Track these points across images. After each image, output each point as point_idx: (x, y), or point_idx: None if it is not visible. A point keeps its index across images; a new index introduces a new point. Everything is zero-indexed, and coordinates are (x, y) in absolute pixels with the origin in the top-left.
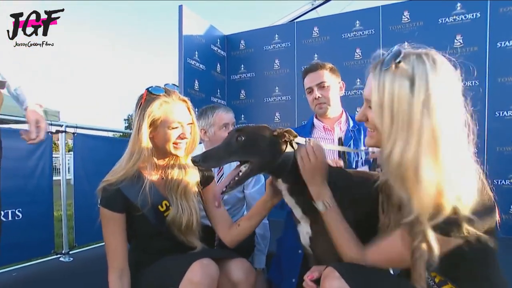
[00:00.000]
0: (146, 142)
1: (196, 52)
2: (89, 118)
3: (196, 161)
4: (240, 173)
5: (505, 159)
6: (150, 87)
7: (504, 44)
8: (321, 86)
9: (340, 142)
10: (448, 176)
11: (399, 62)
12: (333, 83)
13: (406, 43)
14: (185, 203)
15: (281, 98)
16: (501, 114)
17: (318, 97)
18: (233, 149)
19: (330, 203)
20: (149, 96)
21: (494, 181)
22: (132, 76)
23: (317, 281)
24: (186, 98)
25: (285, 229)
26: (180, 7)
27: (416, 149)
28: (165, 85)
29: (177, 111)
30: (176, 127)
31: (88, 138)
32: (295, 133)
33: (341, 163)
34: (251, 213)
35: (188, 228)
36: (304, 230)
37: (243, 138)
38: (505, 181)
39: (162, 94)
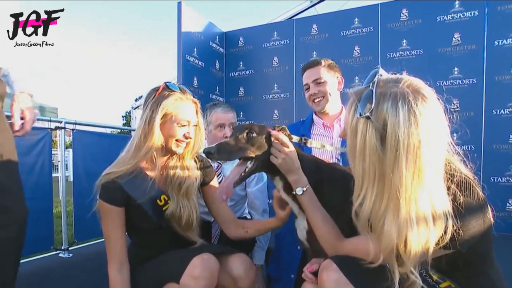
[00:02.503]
0: (158, 133)
1: (195, 49)
2: (87, 114)
3: (211, 152)
4: (246, 169)
5: (502, 157)
6: (168, 82)
7: (502, 42)
8: (317, 82)
9: None
10: (413, 229)
11: (372, 111)
12: (330, 79)
13: (382, 70)
14: (186, 202)
15: (280, 95)
16: (498, 112)
17: (314, 93)
18: (244, 145)
19: (306, 187)
20: (165, 90)
21: (491, 178)
22: (130, 73)
23: (316, 273)
24: (197, 101)
25: (285, 225)
26: (179, 4)
27: (386, 203)
28: (178, 84)
29: (188, 110)
30: (184, 125)
31: (86, 135)
32: (289, 131)
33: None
34: (261, 227)
35: (188, 225)
36: (301, 225)
37: (253, 135)
38: (501, 179)
39: (178, 91)
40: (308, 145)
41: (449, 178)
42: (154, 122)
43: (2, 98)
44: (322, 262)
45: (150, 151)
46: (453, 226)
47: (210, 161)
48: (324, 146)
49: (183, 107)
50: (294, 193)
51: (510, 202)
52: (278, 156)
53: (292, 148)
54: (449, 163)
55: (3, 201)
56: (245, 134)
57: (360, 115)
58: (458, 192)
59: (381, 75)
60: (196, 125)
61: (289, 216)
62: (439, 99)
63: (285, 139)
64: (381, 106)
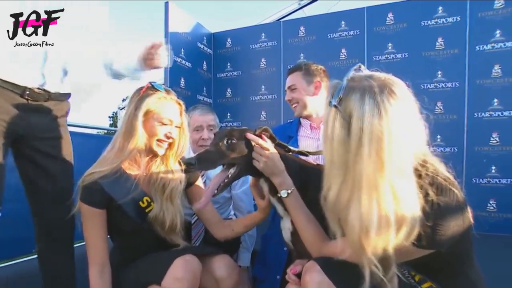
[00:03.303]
0: (141, 131)
1: (182, 50)
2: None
3: (191, 163)
4: (229, 176)
5: (483, 158)
6: (152, 82)
7: (482, 47)
8: (291, 89)
9: None
10: (374, 221)
11: (341, 101)
12: (304, 85)
13: (363, 67)
14: (169, 206)
15: (267, 96)
16: (479, 115)
17: (289, 99)
18: (225, 152)
19: (291, 189)
20: (150, 89)
21: (472, 179)
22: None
23: (299, 275)
24: (181, 102)
25: (271, 226)
26: (166, 4)
27: (350, 192)
28: (163, 85)
29: (171, 110)
30: (165, 124)
31: (72, 136)
32: (271, 131)
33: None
34: (247, 223)
35: (171, 229)
36: (286, 226)
37: (233, 142)
38: (482, 180)
39: (162, 91)
40: (290, 153)
41: (429, 180)
42: (137, 120)
43: (67, 114)
44: (305, 264)
45: (134, 150)
46: (429, 226)
47: None
48: (308, 155)
49: (166, 106)
50: (279, 195)
51: (491, 202)
52: (259, 160)
53: (273, 150)
54: (429, 163)
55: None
56: (225, 141)
57: (330, 102)
58: (437, 193)
59: (362, 71)
60: (179, 127)
61: (271, 206)
62: (417, 102)
63: (264, 143)
64: (349, 98)
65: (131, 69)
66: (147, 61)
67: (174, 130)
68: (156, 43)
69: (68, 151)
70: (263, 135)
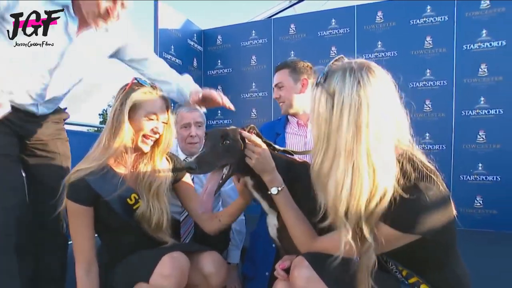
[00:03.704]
0: (127, 126)
1: (172, 47)
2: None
3: (192, 168)
4: (224, 176)
5: (470, 156)
6: (137, 77)
7: (469, 46)
8: (278, 86)
9: None
10: (348, 179)
11: (325, 80)
12: (291, 83)
13: (345, 58)
14: (156, 204)
15: (258, 94)
16: (466, 113)
17: (276, 97)
18: (221, 153)
19: (281, 187)
20: (135, 84)
21: (460, 177)
22: (107, 70)
23: (288, 270)
24: (167, 98)
25: (259, 223)
26: (156, 1)
27: (331, 161)
28: (150, 82)
29: (157, 104)
30: (151, 119)
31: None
32: (257, 130)
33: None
34: (232, 210)
35: (158, 227)
36: (272, 222)
37: (228, 142)
38: (470, 177)
39: (148, 86)
40: (276, 152)
41: (412, 165)
42: (123, 115)
43: (62, 120)
44: (294, 259)
45: (120, 146)
46: (409, 208)
47: (182, 161)
48: (293, 154)
49: (152, 100)
50: (269, 192)
51: (477, 199)
52: (252, 157)
53: (264, 147)
54: (413, 154)
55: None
56: (220, 142)
57: (316, 83)
58: (419, 178)
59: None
60: (166, 123)
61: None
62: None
63: (257, 139)
64: (332, 76)
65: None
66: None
67: (161, 125)
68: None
69: (64, 152)
70: (251, 133)
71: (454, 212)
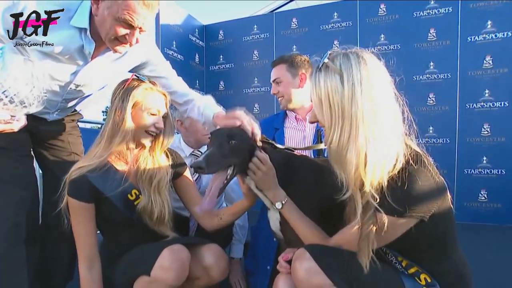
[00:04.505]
0: (130, 122)
1: (174, 42)
2: None
3: (201, 167)
4: (228, 176)
5: (474, 149)
6: (136, 74)
7: (474, 38)
8: (276, 82)
9: (318, 135)
10: (371, 155)
11: (329, 62)
12: (289, 78)
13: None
14: (158, 198)
15: (260, 89)
16: (470, 106)
17: (274, 93)
18: (227, 153)
19: (285, 200)
20: (135, 81)
21: (464, 170)
22: None
23: (291, 262)
24: (166, 93)
25: (261, 217)
26: None
27: (349, 133)
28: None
29: (157, 100)
30: (154, 114)
31: None
32: (267, 138)
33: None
34: (235, 210)
35: (160, 220)
36: (274, 216)
37: (233, 142)
38: (474, 171)
39: (146, 82)
40: (277, 149)
41: (410, 153)
42: (126, 111)
43: (75, 120)
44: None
45: (122, 142)
46: (404, 193)
47: (182, 157)
48: (293, 150)
49: (153, 96)
50: (274, 207)
51: (482, 192)
52: (256, 174)
53: (270, 165)
54: (408, 145)
55: None
56: (226, 142)
57: (319, 69)
58: (415, 164)
59: None
60: (165, 118)
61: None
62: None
63: (263, 157)
64: (336, 58)
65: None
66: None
67: (162, 120)
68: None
69: (76, 147)
70: (263, 140)
71: (450, 198)
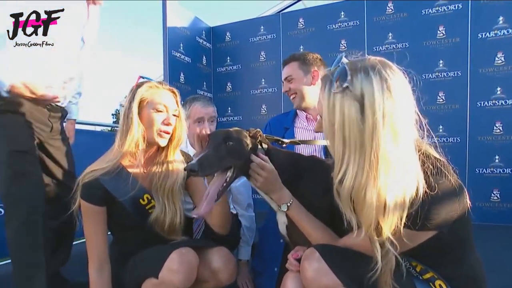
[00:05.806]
0: (137, 122)
1: (181, 44)
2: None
3: (194, 170)
4: (227, 179)
5: (486, 148)
6: (141, 75)
7: (485, 35)
8: (288, 80)
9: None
10: (391, 197)
11: (346, 83)
12: (301, 76)
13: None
14: (171, 204)
15: (267, 90)
16: (482, 104)
17: (286, 90)
18: (224, 155)
19: (290, 202)
20: (141, 82)
21: (476, 170)
22: (118, 70)
23: (300, 261)
24: (176, 90)
25: (267, 219)
26: None
27: (367, 173)
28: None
29: (164, 96)
30: (161, 111)
31: (77, 133)
32: (262, 134)
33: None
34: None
35: (171, 228)
36: (281, 219)
37: (231, 144)
38: (486, 170)
39: (153, 81)
40: (284, 145)
41: (423, 161)
42: (132, 112)
43: (60, 118)
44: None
45: (132, 143)
46: (424, 207)
47: (192, 157)
48: (300, 143)
49: (158, 92)
50: (280, 209)
51: (494, 192)
52: (257, 179)
53: (270, 168)
54: (421, 146)
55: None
56: (223, 144)
57: (336, 90)
58: (432, 173)
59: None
60: (177, 116)
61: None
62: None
63: (262, 161)
64: (355, 78)
65: None
66: None
67: (172, 118)
68: None
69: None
70: (257, 136)
71: (469, 204)
